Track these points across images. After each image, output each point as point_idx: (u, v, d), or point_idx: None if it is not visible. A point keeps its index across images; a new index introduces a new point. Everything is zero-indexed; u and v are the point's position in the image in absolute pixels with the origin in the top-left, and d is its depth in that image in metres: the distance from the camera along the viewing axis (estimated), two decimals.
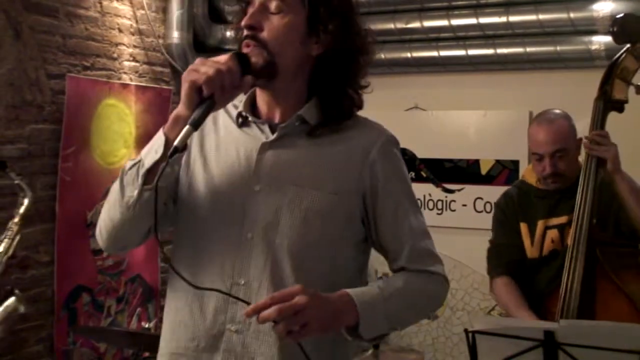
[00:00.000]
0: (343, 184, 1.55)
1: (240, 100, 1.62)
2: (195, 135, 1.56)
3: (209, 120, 1.55)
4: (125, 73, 3.84)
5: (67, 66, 3.46)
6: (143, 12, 3.99)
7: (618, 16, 2.58)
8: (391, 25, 4.11)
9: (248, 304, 1.43)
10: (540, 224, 2.66)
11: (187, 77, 1.45)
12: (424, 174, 4.30)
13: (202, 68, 1.44)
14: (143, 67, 3.99)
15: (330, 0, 1.55)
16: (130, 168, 1.50)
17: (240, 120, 1.61)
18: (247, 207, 1.53)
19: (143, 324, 3.66)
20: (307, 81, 1.59)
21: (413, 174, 4.28)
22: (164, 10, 4.18)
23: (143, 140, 3.80)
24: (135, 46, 3.93)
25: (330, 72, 1.57)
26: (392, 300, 1.53)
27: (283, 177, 1.54)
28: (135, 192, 1.47)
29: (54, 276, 3.39)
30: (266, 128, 1.59)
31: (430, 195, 4.26)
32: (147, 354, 2.91)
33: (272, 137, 1.57)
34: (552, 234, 2.63)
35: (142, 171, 1.47)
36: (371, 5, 4.12)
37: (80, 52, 3.54)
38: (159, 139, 1.49)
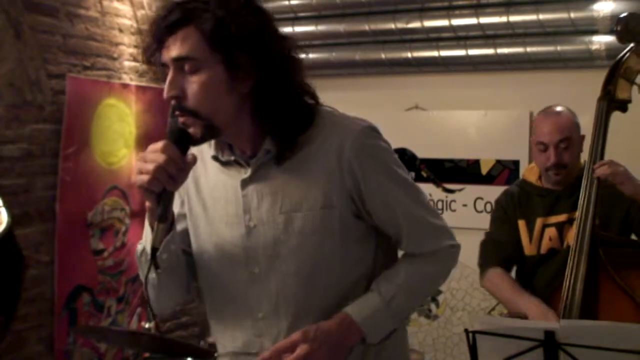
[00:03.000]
0: (329, 195, 1.54)
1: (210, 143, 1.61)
2: (190, 179, 1.57)
3: (198, 162, 1.55)
4: (125, 73, 3.84)
5: (68, 66, 3.46)
6: (143, 12, 3.99)
7: (622, 16, 2.58)
8: (392, 25, 4.11)
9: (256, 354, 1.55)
10: (538, 222, 2.66)
11: (136, 183, 1.47)
12: (424, 174, 4.30)
13: (144, 167, 1.43)
14: (143, 67, 3.99)
15: (237, 37, 1.46)
16: (140, 255, 1.62)
17: (218, 161, 1.62)
18: (247, 243, 1.57)
19: (143, 324, 3.65)
20: (251, 116, 1.53)
21: (413, 174, 4.28)
22: None
23: (143, 140, 3.80)
24: (135, 46, 3.93)
25: (268, 98, 1.51)
26: (394, 301, 1.56)
27: (270, 209, 1.55)
28: (154, 275, 1.57)
29: (54, 276, 3.39)
30: (244, 162, 1.59)
31: (430, 195, 4.26)
32: (147, 355, 2.91)
33: (249, 172, 1.57)
34: (551, 232, 2.64)
35: (149, 259, 1.52)
36: (371, 5, 4.12)
37: (80, 52, 3.54)
38: (147, 229, 1.56)
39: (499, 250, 2.73)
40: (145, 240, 1.58)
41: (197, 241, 1.65)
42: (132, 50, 3.90)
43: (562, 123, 2.63)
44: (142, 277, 1.63)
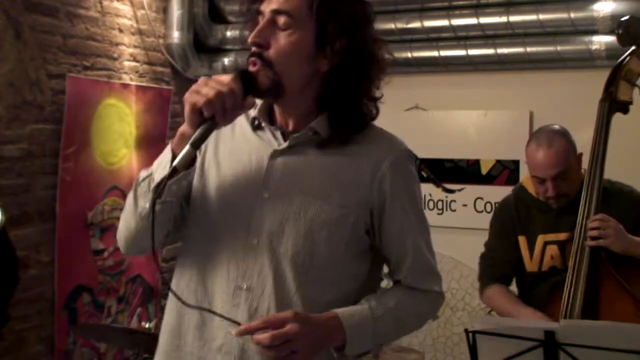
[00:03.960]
0: (351, 198, 1.54)
1: (256, 105, 1.62)
2: (212, 138, 1.58)
3: (227, 127, 1.58)
4: (125, 73, 3.84)
5: (68, 66, 3.46)
6: (143, 12, 3.99)
7: (623, 19, 2.58)
8: (392, 25, 4.11)
9: (238, 323, 1.48)
10: (539, 239, 2.62)
11: (188, 98, 1.46)
12: (424, 174, 4.29)
13: (204, 89, 1.44)
14: (143, 67, 3.99)
15: (340, 15, 1.51)
16: (143, 180, 1.56)
17: (255, 124, 1.62)
18: (255, 213, 1.54)
19: (143, 324, 3.66)
20: (316, 96, 1.56)
21: None
22: (165, 10, 4.18)
23: (143, 140, 3.80)
24: (135, 46, 3.93)
25: (340, 87, 1.54)
26: (381, 320, 1.56)
27: (291, 186, 1.54)
28: (147, 205, 1.52)
29: (54, 276, 3.39)
30: (279, 135, 1.59)
31: (430, 195, 4.26)
32: (146, 355, 2.91)
33: (284, 144, 1.57)
34: (552, 250, 2.60)
35: (152, 185, 1.52)
36: (372, 5, 4.11)
37: (80, 52, 3.54)
38: (167, 154, 1.53)
39: (497, 268, 2.72)
40: (156, 166, 1.54)
41: (201, 198, 1.61)
42: (132, 50, 3.91)
43: (557, 156, 2.51)
44: (128, 205, 1.59)
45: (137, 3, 3.95)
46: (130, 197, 1.59)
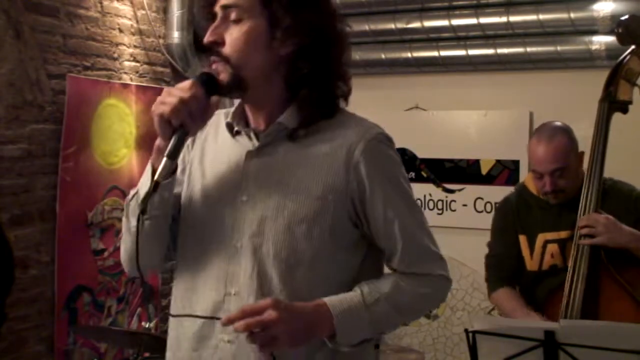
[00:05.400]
0: (329, 187, 1.52)
1: (229, 112, 1.62)
2: (197, 148, 1.61)
3: (211, 128, 1.61)
4: (125, 73, 3.84)
5: (68, 66, 3.46)
6: (143, 12, 3.99)
7: (623, 18, 2.58)
8: (392, 25, 4.11)
9: (219, 319, 1.48)
10: (540, 237, 2.62)
11: (154, 111, 1.47)
12: (424, 174, 4.30)
13: (168, 99, 1.45)
14: (143, 67, 3.99)
15: None
16: (131, 199, 1.58)
17: (232, 130, 1.62)
18: (236, 217, 1.55)
19: (143, 324, 3.66)
20: (284, 82, 1.54)
21: (413, 174, 4.28)
22: (165, 10, 4.18)
23: (143, 140, 3.80)
24: (135, 46, 3.93)
25: (305, 68, 1.52)
26: (376, 306, 1.51)
27: (267, 185, 1.54)
28: (137, 224, 1.52)
29: (54, 276, 3.39)
30: (253, 136, 1.58)
31: (430, 195, 4.26)
32: (147, 354, 2.91)
33: (257, 145, 1.57)
34: (552, 248, 2.60)
35: (138, 202, 1.52)
36: (371, 5, 4.12)
37: (80, 52, 3.54)
38: (148, 170, 1.54)
39: (502, 267, 2.72)
40: (141, 185, 1.56)
41: (189, 206, 1.62)
42: (132, 50, 3.90)
43: (556, 151, 2.52)
44: (123, 226, 1.61)
45: (137, 3, 3.95)
46: (123, 218, 1.62)
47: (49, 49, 3.36)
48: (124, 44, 3.85)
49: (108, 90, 3.67)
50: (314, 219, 1.51)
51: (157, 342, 2.81)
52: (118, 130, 3.73)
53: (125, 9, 3.86)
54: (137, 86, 3.88)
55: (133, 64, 3.91)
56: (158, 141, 1.51)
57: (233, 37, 1.50)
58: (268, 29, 1.50)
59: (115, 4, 3.79)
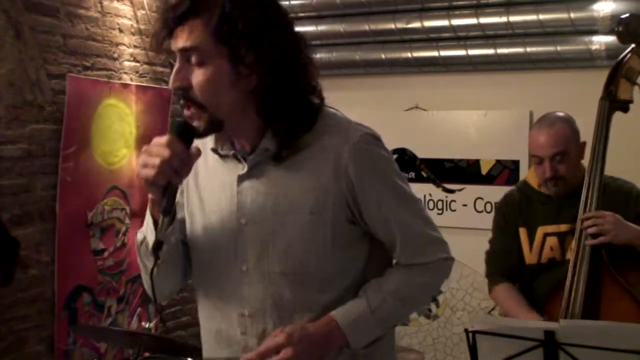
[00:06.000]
0: (322, 199, 1.53)
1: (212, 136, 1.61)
2: (191, 177, 1.61)
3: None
4: (125, 73, 3.84)
5: (68, 66, 3.46)
6: (143, 12, 3.99)
7: (623, 16, 2.58)
8: (392, 25, 4.11)
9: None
10: (539, 231, 2.62)
11: (140, 174, 1.48)
12: (424, 174, 4.30)
13: (150, 161, 1.45)
14: (143, 67, 3.99)
15: (239, 30, 1.45)
16: (141, 244, 1.62)
17: (219, 154, 1.62)
18: (238, 241, 1.57)
19: (143, 324, 3.66)
20: (257, 112, 1.53)
21: (413, 174, 4.28)
22: None
23: (143, 140, 3.80)
24: (135, 46, 3.93)
25: (271, 97, 1.50)
26: (381, 308, 1.56)
27: (262, 208, 1.55)
28: (153, 266, 1.55)
29: (54, 276, 3.39)
30: (241, 158, 1.58)
31: (430, 195, 4.26)
32: (147, 354, 2.91)
33: (246, 168, 1.57)
34: (552, 241, 2.60)
35: (150, 250, 1.54)
36: (371, 5, 4.12)
37: (80, 52, 3.54)
38: (149, 219, 1.56)
39: (501, 262, 2.72)
40: (146, 229, 1.58)
41: (192, 232, 1.65)
42: (132, 50, 3.90)
43: (556, 136, 2.54)
44: (140, 264, 1.65)
45: (137, 3, 3.95)
46: (138, 258, 1.67)
47: (49, 49, 3.36)
48: (124, 44, 3.85)
49: (108, 90, 3.66)
50: (314, 233, 1.53)
51: (157, 342, 2.81)
52: (118, 130, 3.73)
53: (125, 9, 3.86)
54: (137, 86, 3.88)
55: (133, 64, 3.91)
56: (151, 195, 1.51)
57: (199, 80, 1.47)
58: (231, 68, 1.47)
59: (115, 4, 3.79)
